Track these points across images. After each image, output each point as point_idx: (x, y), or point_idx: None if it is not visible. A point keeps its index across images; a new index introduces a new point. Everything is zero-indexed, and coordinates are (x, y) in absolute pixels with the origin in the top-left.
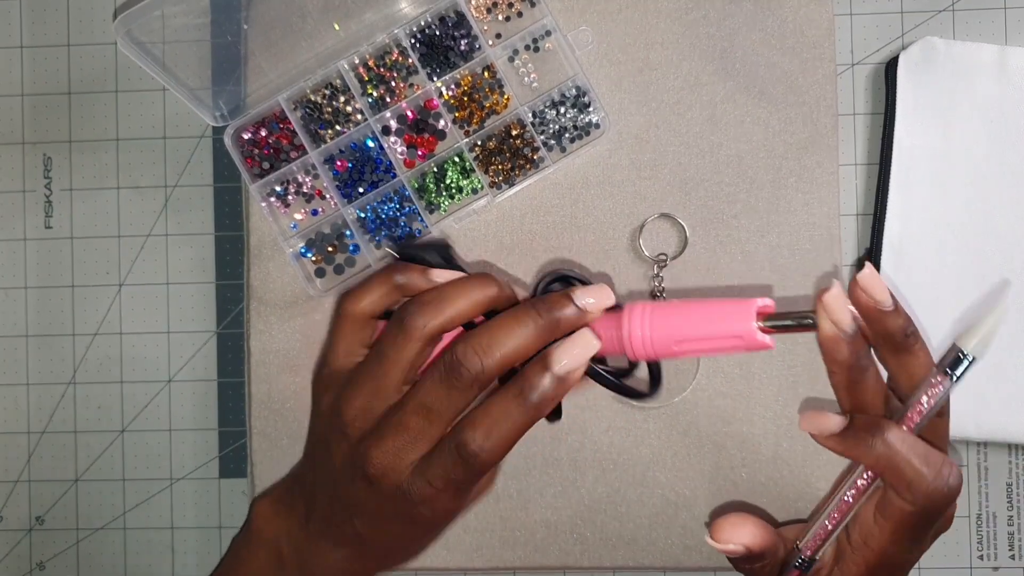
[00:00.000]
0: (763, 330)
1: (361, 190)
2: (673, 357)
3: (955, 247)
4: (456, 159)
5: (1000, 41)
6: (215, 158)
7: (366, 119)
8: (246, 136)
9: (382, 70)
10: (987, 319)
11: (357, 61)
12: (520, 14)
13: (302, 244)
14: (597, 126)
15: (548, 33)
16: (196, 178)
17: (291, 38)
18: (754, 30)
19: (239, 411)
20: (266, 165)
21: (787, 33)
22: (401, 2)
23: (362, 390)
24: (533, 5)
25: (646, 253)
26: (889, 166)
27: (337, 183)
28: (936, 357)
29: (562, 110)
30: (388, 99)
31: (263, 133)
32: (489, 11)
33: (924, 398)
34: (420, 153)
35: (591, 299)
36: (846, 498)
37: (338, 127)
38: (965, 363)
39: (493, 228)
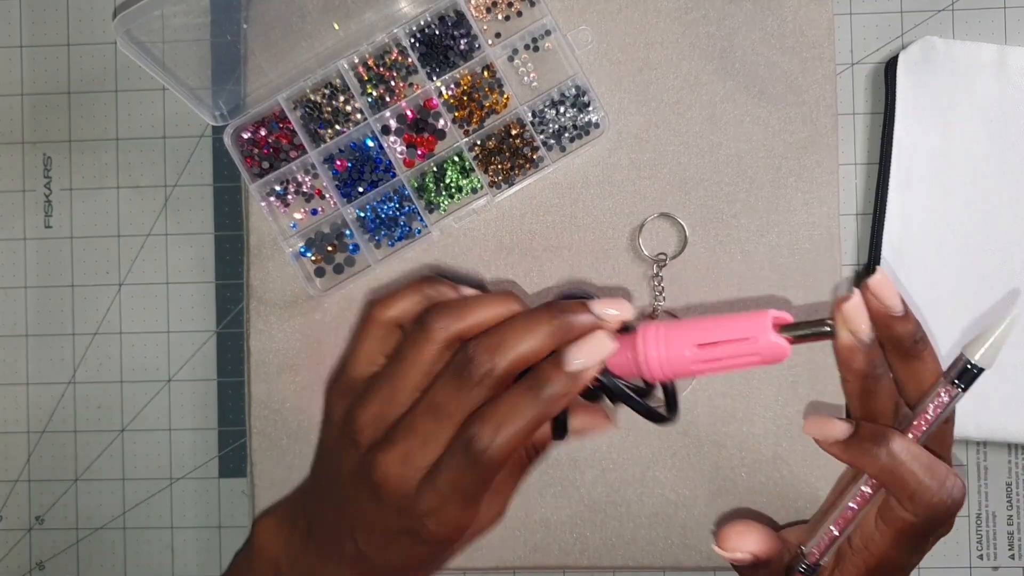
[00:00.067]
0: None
1: (361, 189)
2: (690, 376)
3: (955, 246)
4: (456, 159)
5: (1000, 41)
6: (215, 158)
7: (366, 119)
8: (246, 136)
9: (382, 70)
10: (996, 329)
11: (357, 61)
12: (520, 13)
13: (302, 244)
14: (597, 126)
15: (548, 33)
16: (196, 178)
17: (291, 38)
18: (754, 30)
19: (239, 411)
20: (266, 165)
21: (787, 33)
22: (401, 2)
23: (377, 396)
24: (533, 5)
25: (646, 252)
26: (889, 166)
27: (337, 182)
28: (940, 362)
29: (562, 110)
30: (388, 99)
31: (263, 133)
32: (489, 11)
33: (930, 407)
34: (420, 152)
35: (612, 310)
36: (851, 505)
37: (338, 127)
38: (972, 373)
39: (493, 228)
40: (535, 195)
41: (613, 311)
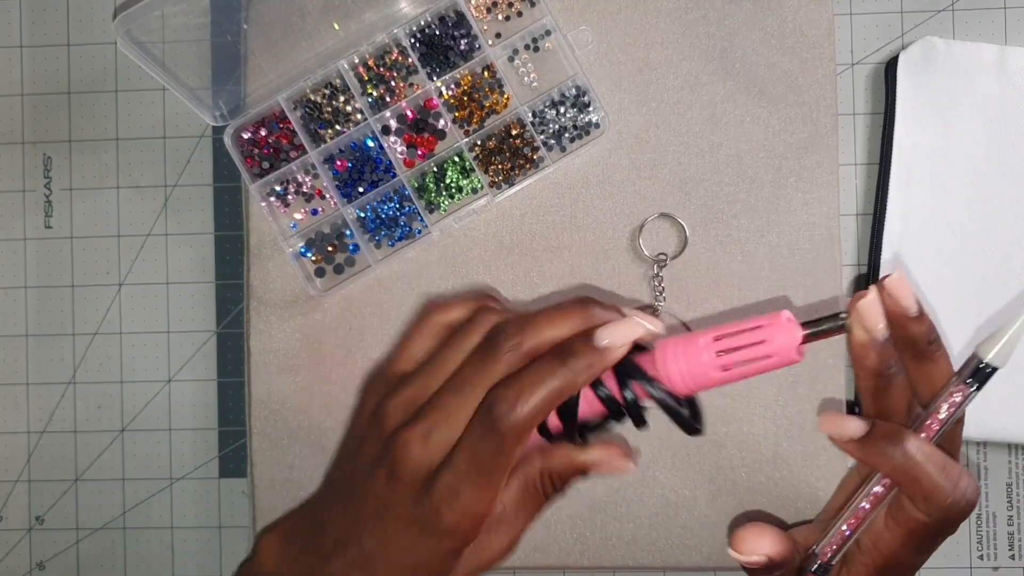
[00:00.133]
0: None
1: (361, 190)
2: (711, 387)
3: (955, 247)
4: (456, 159)
5: (1000, 41)
6: (215, 158)
7: (366, 119)
8: (246, 136)
9: (382, 70)
10: (1010, 328)
11: (357, 61)
12: (520, 14)
13: (302, 244)
14: (597, 126)
15: (548, 33)
16: (196, 178)
17: (291, 38)
18: (754, 30)
19: (239, 411)
20: (266, 165)
21: (787, 33)
22: (401, 2)
23: (410, 386)
24: (533, 5)
25: (646, 253)
26: (889, 166)
27: (337, 183)
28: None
29: (562, 110)
30: (388, 99)
31: (263, 133)
32: (489, 11)
33: (944, 407)
34: (420, 153)
35: (643, 320)
36: (863, 505)
37: (338, 127)
38: (986, 372)
39: (493, 228)
40: (535, 195)
41: (644, 321)
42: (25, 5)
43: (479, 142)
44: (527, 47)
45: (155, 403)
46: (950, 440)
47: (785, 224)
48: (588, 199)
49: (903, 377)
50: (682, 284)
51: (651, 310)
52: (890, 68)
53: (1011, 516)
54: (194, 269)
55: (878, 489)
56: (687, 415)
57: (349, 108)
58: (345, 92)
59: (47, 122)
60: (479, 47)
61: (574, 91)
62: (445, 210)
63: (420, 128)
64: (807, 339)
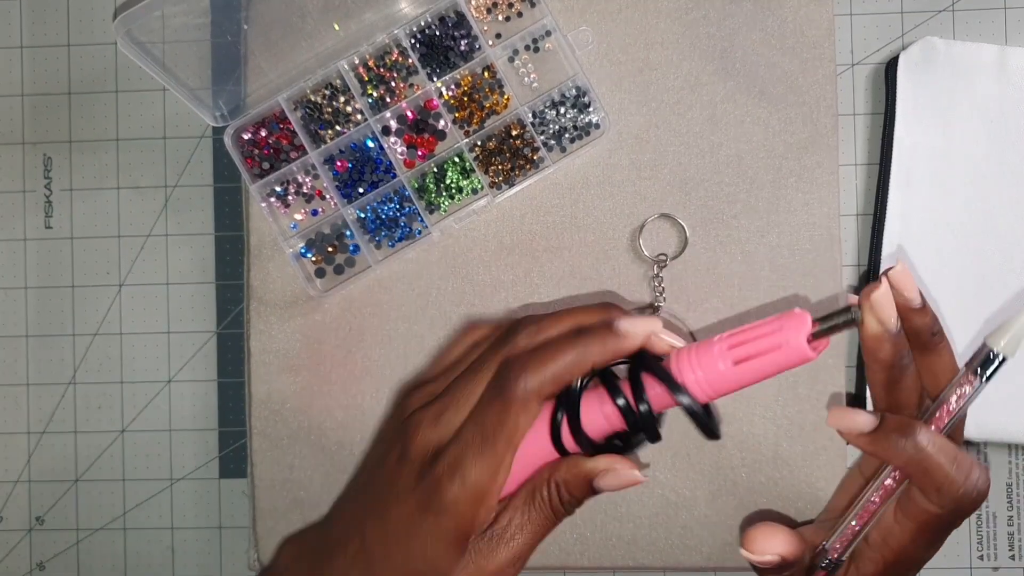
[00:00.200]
0: (810, 339)
1: (361, 190)
2: (728, 392)
3: (955, 247)
4: (456, 159)
5: (1000, 41)
6: (215, 158)
7: (366, 119)
8: (246, 136)
9: (382, 70)
10: (1019, 318)
11: (357, 61)
12: (520, 14)
13: (302, 244)
14: (597, 126)
15: (548, 33)
16: (196, 178)
17: (291, 38)
18: (754, 30)
19: (239, 411)
20: (266, 165)
21: (787, 33)
22: (401, 2)
23: (435, 382)
24: (533, 5)
25: (646, 253)
26: (889, 166)
27: (337, 183)
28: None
29: (562, 110)
30: (388, 99)
31: (263, 133)
32: (489, 11)
33: (953, 398)
34: (420, 153)
35: (666, 335)
36: (873, 499)
37: (338, 127)
38: (995, 363)
39: (493, 228)
40: (535, 196)
41: (668, 337)
42: (25, 5)
43: (479, 143)
44: (527, 47)
45: (155, 403)
46: (952, 434)
47: (785, 224)
48: (588, 199)
49: (914, 370)
50: (682, 284)
51: (651, 310)
52: (890, 68)
53: (1011, 516)
54: (194, 269)
55: (888, 483)
56: (710, 421)
57: (349, 109)
58: (345, 92)
59: (47, 122)
60: (479, 47)
61: (574, 91)
62: (445, 211)
63: (420, 129)
64: (819, 335)
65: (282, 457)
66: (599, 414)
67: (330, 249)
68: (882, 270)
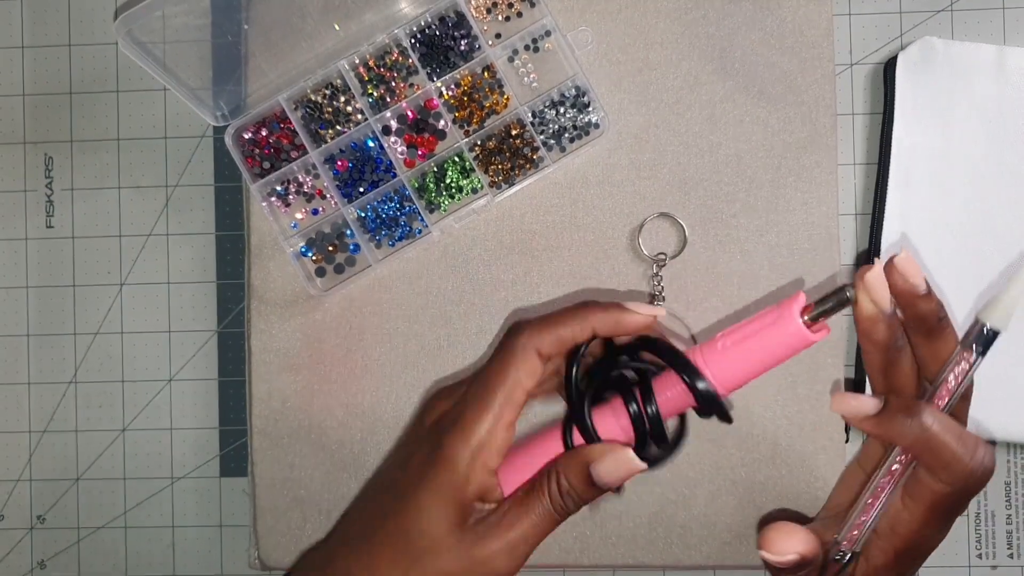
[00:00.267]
0: (808, 324)
1: (361, 190)
2: (740, 387)
3: (953, 247)
4: (456, 159)
5: (998, 41)
6: (216, 158)
7: (366, 119)
8: (247, 136)
9: (382, 70)
10: (1008, 291)
11: (357, 61)
12: (520, 14)
13: (302, 243)
14: (597, 126)
15: (548, 33)
16: (197, 178)
17: (291, 38)
18: (753, 30)
19: (240, 410)
20: (267, 165)
21: (786, 33)
22: (401, 2)
23: (460, 381)
24: (533, 5)
25: (645, 252)
26: (888, 166)
27: (337, 183)
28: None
29: (562, 110)
30: (388, 99)
31: (264, 133)
32: (489, 11)
33: (951, 377)
34: (420, 153)
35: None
36: (881, 484)
37: (338, 127)
38: (989, 337)
39: (493, 228)
40: (535, 195)
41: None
42: (26, 6)
43: (479, 142)
44: (527, 47)
45: (156, 402)
46: (957, 418)
47: (784, 224)
48: (588, 199)
49: (910, 352)
50: (681, 283)
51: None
52: (889, 68)
53: (1009, 515)
54: (195, 269)
55: (894, 467)
56: (727, 409)
57: (350, 108)
58: (346, 92)
59: (48, 122)
60: (479, 47)
61: (574, 91)
62: (445, 210)
63: (420, 128)
64: (816, 316)
65: (283, 456)
66: (615, 426)
67: (330, 248)
68: (886, 259)
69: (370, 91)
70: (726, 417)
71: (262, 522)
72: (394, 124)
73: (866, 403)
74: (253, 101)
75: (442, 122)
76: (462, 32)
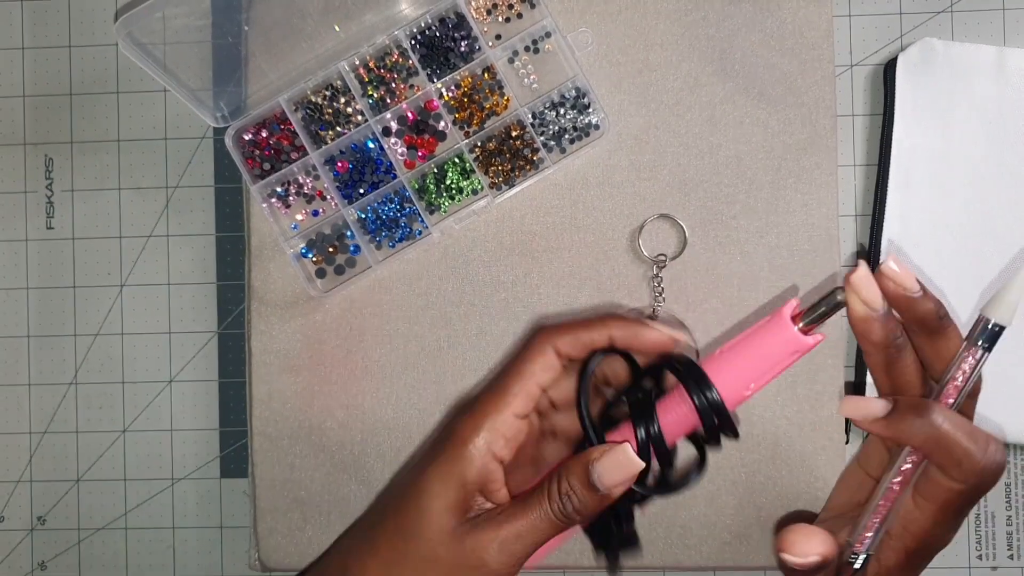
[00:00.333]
0: (804, 330)
1: (361, 191)
2: (743, 400)
3: (954, 248)
4: (456, 160)
5: (998, 42)
6: (216, 159)
7: (366, 120)
8: (247, 137)
9: (382, 71)
10: (1012, 286)
11: (357, 62)
12: (520, 15)
13: (303, 245)
14: (597, 127)
15: (548, 34)
16: (197, 179)
17: (291, 39)
18: (753, 31)
19: (240, 411)
20: (267, 166)
21: (786, 34)
22: (401, 3)
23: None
24: (533, 6)
25: (645, 253)
26: (888, 167)
27: (338, 184)
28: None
29: (562, 111)
30: (388, 100)
31: (264, 134)
32: (489, 12)
33: (958, 374)
34: (420, 154)
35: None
36: (893, 485)
37: (339, 128)
38: (994, 332)
39: (493, 229)
40: (535, 196)
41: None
42: (27, 7)
43: (479, 143)
44: (527, 49)
45: (156, 403)
46: (965, 414)
47: (784, 225)
48: (588, 200)
49: (911, 351)
50: (681, 285)
51: (652, 312)
52: (889, 69)
53: (1010, 516)
54: (195, 270)
55: (905, 467)
56: (735, 423)
57: (350, 109)
58: (346, 93)
59: (49, 123)
60: (479, 49)
61: (574, 92)
62: (445, 211)
63: (420, 129)
64: (809, 321)
65: (283, 457)
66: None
67: (331, 249)
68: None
69: (370, 92)
70: (733, 431)
71: (262, 523)
72: (394, 125)
73: (875, 405)
74: (253, 102)
75: (442, 123)
76: (462, 33)
